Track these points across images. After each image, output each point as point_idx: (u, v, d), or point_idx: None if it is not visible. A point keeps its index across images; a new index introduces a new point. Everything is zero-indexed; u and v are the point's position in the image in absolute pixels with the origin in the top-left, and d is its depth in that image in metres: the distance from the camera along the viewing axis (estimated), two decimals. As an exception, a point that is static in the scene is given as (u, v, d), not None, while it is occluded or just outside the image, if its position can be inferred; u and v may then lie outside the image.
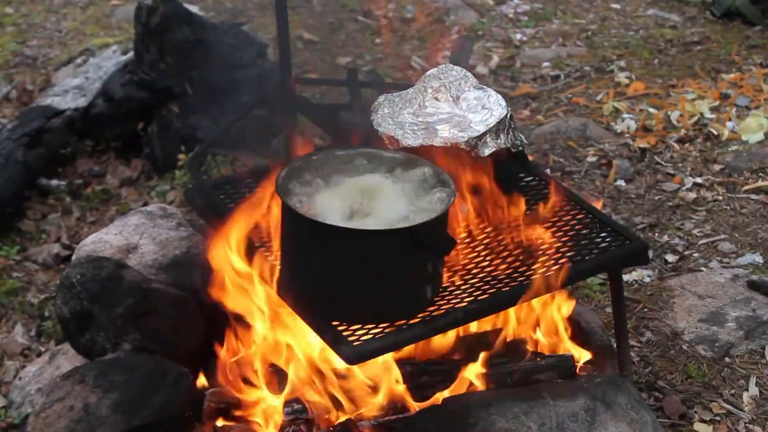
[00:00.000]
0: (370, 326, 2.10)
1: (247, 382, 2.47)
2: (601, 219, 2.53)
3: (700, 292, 3.23)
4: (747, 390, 2.86)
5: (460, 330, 2.45)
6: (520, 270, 2.32)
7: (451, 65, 2.54)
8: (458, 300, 2.20)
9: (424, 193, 2.19)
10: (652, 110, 4.58)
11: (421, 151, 2.29)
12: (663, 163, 4.17)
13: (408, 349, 2.37)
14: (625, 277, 3.34)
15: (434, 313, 2.15)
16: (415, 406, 2.34)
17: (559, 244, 2.41)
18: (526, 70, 5.16)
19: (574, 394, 2.26)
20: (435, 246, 2.06)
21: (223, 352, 2.54)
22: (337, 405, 2.36)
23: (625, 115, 4.55)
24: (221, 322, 2.69)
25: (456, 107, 2.44)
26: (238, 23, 4.54)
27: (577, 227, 2.49)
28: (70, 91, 4.32)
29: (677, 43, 5.43)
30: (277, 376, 2.44)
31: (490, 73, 5.11)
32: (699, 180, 4.01)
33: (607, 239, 2.46)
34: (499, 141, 2.35)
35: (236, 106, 3.88)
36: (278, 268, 2.25)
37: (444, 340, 2.45)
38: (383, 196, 2.17)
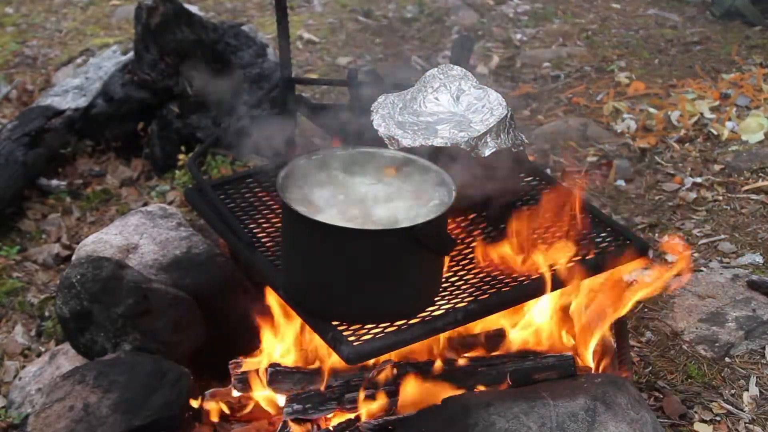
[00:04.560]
0: (371, 326, 2.10)
1: (248, 381, 2.47)
2: (601, 219, 2.53)
3: (700, 292, 3.23)
4: (747, 390, 2.86)
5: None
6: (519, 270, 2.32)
7: (452, 65, 2.54)
8: (458, 300, 2.20)
9: (424, 193, 2.19)
10: (652, 110, 4.58)
11: (420, 151, 2.29)
12: (663, 163, 4.17)
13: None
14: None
15: (434, 313, 2.15)
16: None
17: (559, 244, 2.41)
18: (526, 70, 5.16)
19: (574, 394, 2.26)
20: (435, 246, 2.06)
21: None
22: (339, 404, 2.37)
23: (625, 115, 4.55)
24: (221, 322, 2.69)
25: (456, 107, 2.43)
26: (238, 23, 4.54)
27: (577, 227, 2.49)
28: (70, 91, 4.32)
29: (677, 43, 5.43)
30: (279, 376, 2.44)
31: (490, 73, 5.11)
32: (699, 180, 4.01)
33: (607, 239, 2.46)
34: (499, 141, 2.35)
35: (236, 106, 3.89)
36: (279, 267, 2.25)
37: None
38: (382, 197, 2.17)
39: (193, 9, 4.80)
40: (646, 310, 3.20)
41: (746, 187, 3.93)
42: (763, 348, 3.02)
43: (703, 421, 2.74)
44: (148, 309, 2.61)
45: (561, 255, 2.36)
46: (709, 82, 4.87)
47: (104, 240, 2.79)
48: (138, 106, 4.14)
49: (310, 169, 2.22)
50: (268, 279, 2.31)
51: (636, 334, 3.09)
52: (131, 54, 4.33)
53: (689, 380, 2.90)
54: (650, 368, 2.94)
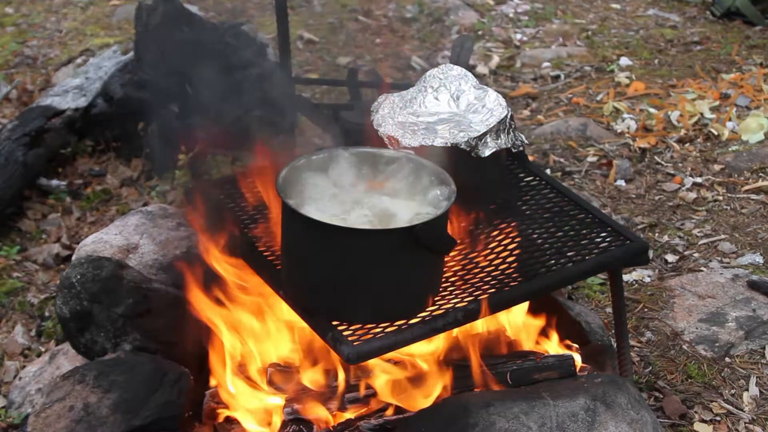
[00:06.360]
0: (371, 326, 2.10)
1: (248, 381, 2.47)
2: (601, 219, 2.53)
3: (700, 292, 3.23)
4: (747, 390, 2.86)
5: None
6: (520, 270, 2.31)
7: (451, 65, 2.54)
8: (458, 300, 2.20)
9: (424, 192, 2.19)
10: (652, 110, 4.58)
11: (421, 151, 2.29)
12: (663, 163, 4.17)
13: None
14: (625, 277, 3.34)
15: (434, 313, 2.15)
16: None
17: (559, 244, 2.41)
18: (526, 70, 5.16)
19: (574, 394, 2.26)
20: (435, 246, 2.06)
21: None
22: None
23: (625, 115, 4.55)
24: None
25: (456, 107, 2.44)
26: (238, 23, 4.54)
27: (577, 227, 2.49)
28: (70, 91, 4.31)
29: (677, 43, 5.43)
30: (279, 376, 2.44)
31: (490, 73, 5.11)
32: (699, 180, 4.01)
33: (607, 239, 2.46)
34: (499, 141, 2.35)
35: (236, 107, 3.88)
36: (279, 267, 2.25)
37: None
38: (383, 197, 2.17)
39: (193, 9, 4.80)
40: (646, 310, 3.20)
41: (746, 187, 3.93)
42: (763, 348, 3.02)
43: (703, 421, 2.74)
44: (148, 309, 2.61)
45: (561, 255, 2.37)
46: (709, 82, 4.87)
47: (104, 240, 2.79)
48: (138, 106, 4.14)
49: (311, 169, 2.22)
50: (268, 279, 2.31)
51: (636, 334, 3.09)
52: (131, 54, 4.33)
53: (689, 380, 2.90)
54: (650, 368, 2.94)
